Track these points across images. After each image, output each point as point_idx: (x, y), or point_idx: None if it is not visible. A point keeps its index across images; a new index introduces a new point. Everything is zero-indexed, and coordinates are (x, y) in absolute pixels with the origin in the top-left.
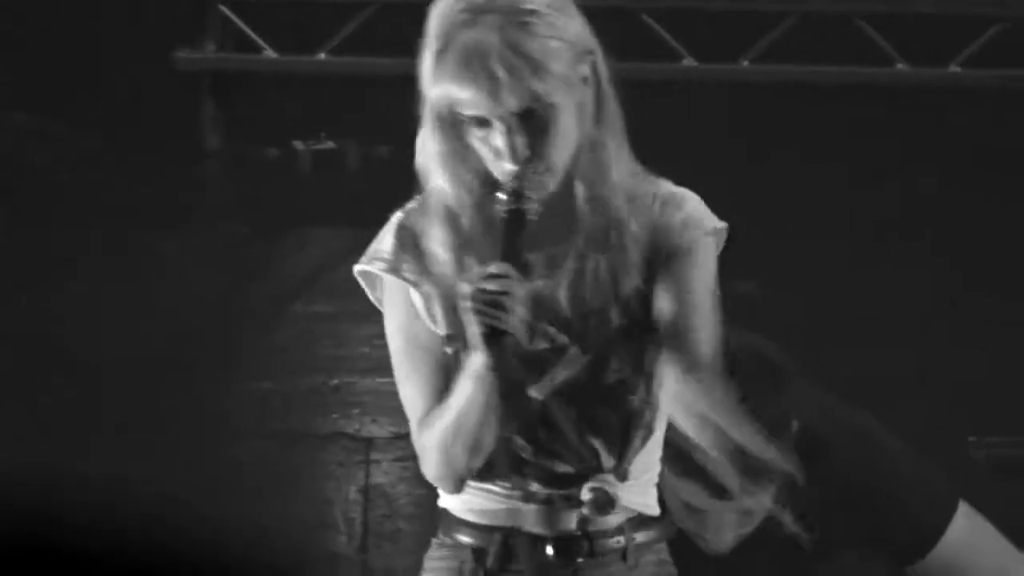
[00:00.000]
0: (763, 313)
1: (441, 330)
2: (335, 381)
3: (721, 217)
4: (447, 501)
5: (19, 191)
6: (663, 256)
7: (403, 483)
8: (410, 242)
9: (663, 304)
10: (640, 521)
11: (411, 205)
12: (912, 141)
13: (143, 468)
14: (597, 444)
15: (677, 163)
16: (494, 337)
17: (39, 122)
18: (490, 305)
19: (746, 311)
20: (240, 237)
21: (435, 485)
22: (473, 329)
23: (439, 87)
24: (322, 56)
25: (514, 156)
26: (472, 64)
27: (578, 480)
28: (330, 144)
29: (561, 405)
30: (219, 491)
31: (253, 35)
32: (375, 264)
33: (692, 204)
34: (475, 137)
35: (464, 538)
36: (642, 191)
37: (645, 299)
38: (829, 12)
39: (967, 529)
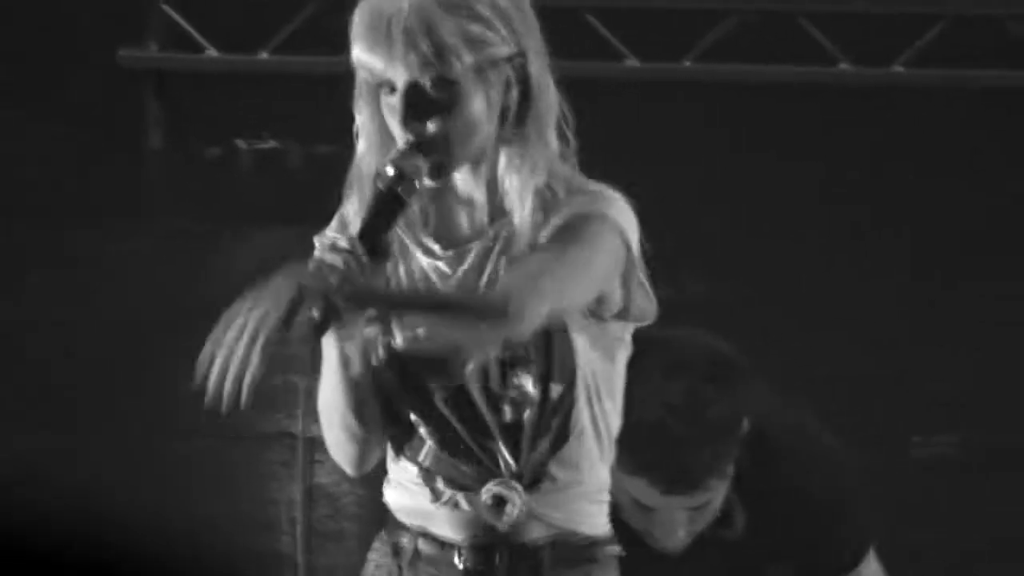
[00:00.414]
0: (725, 313)
1: None
2: (278, 379)
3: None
4: (386, 495)
5: None
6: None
7: (346, 483)
8: (349, 227)
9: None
10: (564, 537)
11: None
12: (864, 138)
13: (85, 465)
14: (494, 447)
15: (626, 162)
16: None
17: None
18: (318, 270)
19: (700, 311)
20: (183, 234)
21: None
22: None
23: (354, 49)
24: (264, 55)
25: (404, 120)
26: (379, 26)
27: (481, 482)
28: (272, 143)
29: (461, 404)
30: (162, 489)
31: (196, 34)
32: (319, 241)
33: (603, 196)
34: (386, 105)
35: (392, 534)
36: (563, 197)
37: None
38: (771, 11)
39: (875, 571)
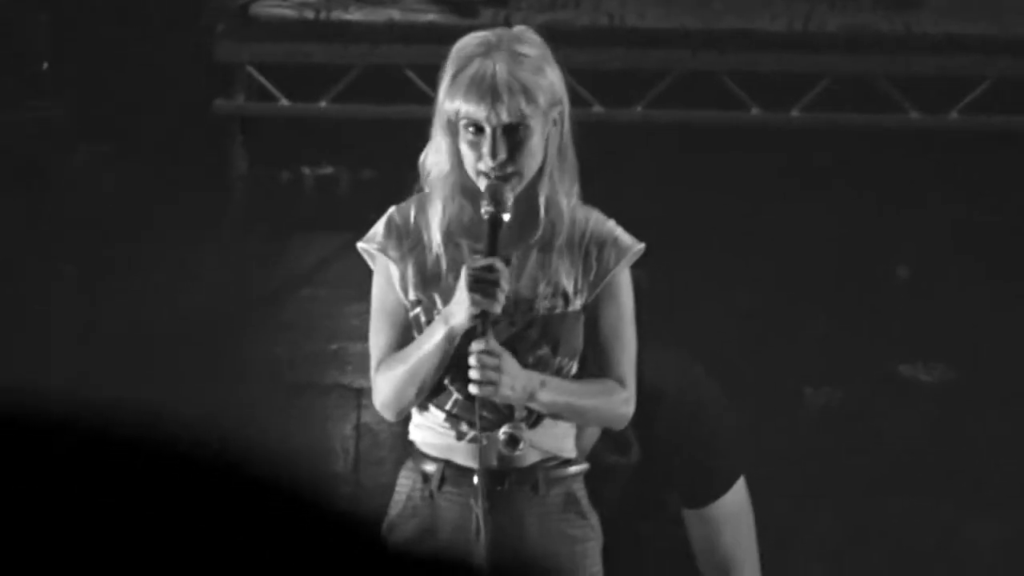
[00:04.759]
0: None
1: (412, 297)
2: (333, 346)
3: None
4: (413, 435)
5: (89, 206)
6: (592, 273)
7: (384, 422)
8: (395, 230)
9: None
10: (550, 461)
11: (403, 204)
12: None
13: (189, 410)
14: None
15: (593, 182)
16: (481, 311)
17: (106, 151)
18: (485, 289)
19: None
20: (260, 238)
21: (380, 411)
22: (467, 302)
23: (454, 101)
24: (323, 104)
25: (494, 155)
26: (483, 84)
27: (497, 424)
28: (329, 169)
29: None
30: (246, 430)
31: (272, 88)
32: (370, 244)
33: (616, 232)
34: (465, 141)
35: (420, 464)
36: (578, 216)
37: (565, 295)
38: (701, 70)
39: (742, 499)
